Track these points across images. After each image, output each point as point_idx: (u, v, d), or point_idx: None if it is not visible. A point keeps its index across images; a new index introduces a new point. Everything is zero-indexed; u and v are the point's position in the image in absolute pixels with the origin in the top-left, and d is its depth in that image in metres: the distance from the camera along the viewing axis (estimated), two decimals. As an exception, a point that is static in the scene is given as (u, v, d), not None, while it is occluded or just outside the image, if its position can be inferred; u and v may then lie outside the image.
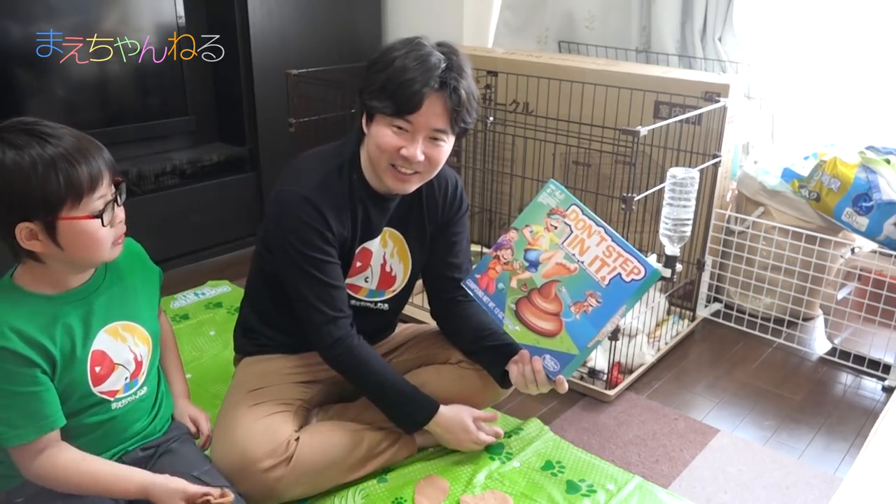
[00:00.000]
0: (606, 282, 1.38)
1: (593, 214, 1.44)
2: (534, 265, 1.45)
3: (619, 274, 1.37)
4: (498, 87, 2.61)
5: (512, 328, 1.46)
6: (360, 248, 1.57)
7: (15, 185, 1.10)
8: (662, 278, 1.92)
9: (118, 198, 1.20)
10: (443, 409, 1.59)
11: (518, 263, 1.46)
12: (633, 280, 1.36)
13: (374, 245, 1.60)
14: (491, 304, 1.49)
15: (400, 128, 1.41)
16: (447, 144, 1.47)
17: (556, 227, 1.45)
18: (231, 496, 1.26)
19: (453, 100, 1.39)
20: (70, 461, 1.21)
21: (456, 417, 1.61)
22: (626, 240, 1.80)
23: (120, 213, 1.21)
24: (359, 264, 1.59)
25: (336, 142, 1.60)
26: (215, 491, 1.25)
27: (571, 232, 1.43)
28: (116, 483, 1.22)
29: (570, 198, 1.46)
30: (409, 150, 1.42)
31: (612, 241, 1.40)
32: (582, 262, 1.41)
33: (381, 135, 1.43)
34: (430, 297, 1.71)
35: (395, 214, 1.60)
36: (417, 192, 1.60)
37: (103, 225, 1.16)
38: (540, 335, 1.43)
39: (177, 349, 1.56)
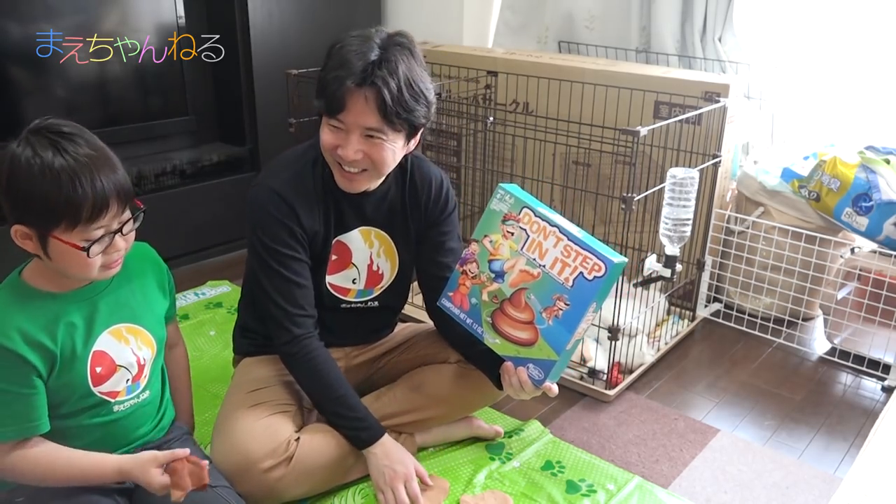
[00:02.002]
0: (571, 283, 1.34)
1: (547, 213, 1.39)
2: (500, 275, 1.41)
3: (582, 273, 1.33)
4: (498, 87, 2.61)
5: (492, 342, 1.43)
6: (334, 240, 1.57)
7: (21, 187, 1.11)
8: (662, 278, 1.93)
9: (124, 227, 1.19)
10: (390, 438, 1.55)
11: (485, 276, 1.42)
12: (595, 278, 1.32)
13: (353, 241, 1.58)
14: (469, 321, 1.45)
15: (335, 126, 1.40)
16: (390, 143, 1.42)
17: (512, 234, 1.40)
18: (204, 463, 1.21)
19: (378, 97, 1.35)
20: (43, 452, 1.19)
21: (400, 450, 1.55)
22: (626, 240, 1.80)
23: (119, 242, 1.19)
24: (334, 257, 1.58)
25: (313, 139, 1.59)
26: (181, 452, 1.21)
27: (528, 236, 1.39)
28: (92, 468, 1.21)
29: (520, 200, 1.40)
30: (344, 150, 1.40)
31: (569, 239, 1.35)
32: (543, 266, 1.36)
33: (323, 132, 1.43)
34: (425, 298, 1.71)
35: (378, 214, 1.59)
36: (400, 192, 1.60)
37: (90, 256, 1.15)
38: (519, 346, 1.40)
39: (190, 381, 1.54)
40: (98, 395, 1.24)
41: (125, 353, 1.27)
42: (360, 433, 1.52)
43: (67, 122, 1.16)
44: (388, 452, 1.52)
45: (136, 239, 1.36)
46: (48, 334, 1.18)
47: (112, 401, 1.26)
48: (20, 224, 1.13)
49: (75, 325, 1.21)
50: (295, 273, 1.50)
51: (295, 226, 1.48)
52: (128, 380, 1.28)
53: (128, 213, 1.20)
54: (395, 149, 1.44)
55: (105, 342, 1.25)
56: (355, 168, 1.44)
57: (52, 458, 1.20)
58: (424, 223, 1.63)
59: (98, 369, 1.23)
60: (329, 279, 1.59)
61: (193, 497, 1.30)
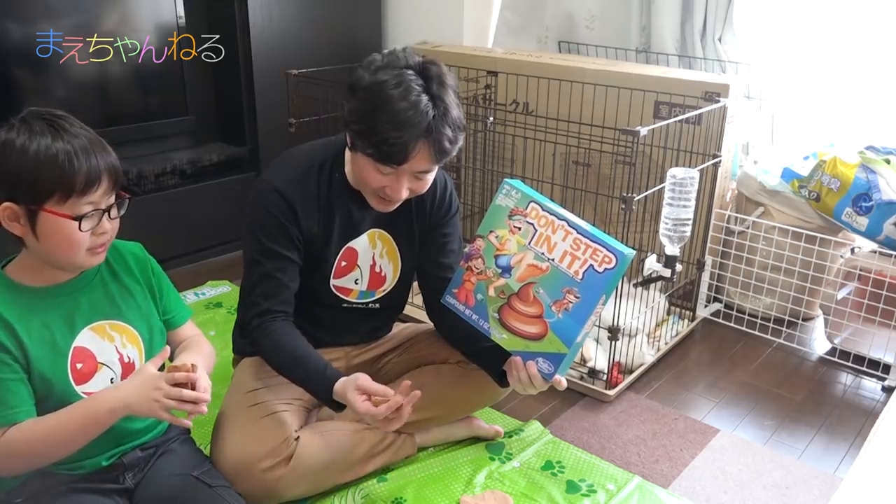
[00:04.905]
0: (580, 276, 1.34)
1: (555, 207, 1.39)
2: (507, 270, 1.41)
3: (592, 266, 1.34)
4: (498, 87, 2.61)
5: (500, 337, 1.43)
6: (344, 247, 1.57)
7: (12, 163, 1.12)
8: (662, 278, 1.93)
9: (111, 210, 1.20)
10: (342, 383, 1.40)
11: (491, 271, 1.43)
12: (606, 270, 1.33)
13: (360, 245, 1.59)
14: (474, 317, 1.45)
15: (385, 173, 1.41)
16: (432, 174, 1.47)
17: (519, 229, 1.41)
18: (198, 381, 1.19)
19: (438, 147, 1.37)
20: (25, 427, 1.16)
21: (349, 383, 1.38)
22: (626, 240, 1.80)
23: (107, 225, 1.20)
24: (343, 264, 1.58)
25: (326, 139, 1.60)
26: (181, 374, 1.19)
27: (536, 230, 1.39)
28: (86, 417, 1.17)
29: (526, 195, 1.41)
30: (394, 193, 1.43)
31: (578, 232, 1.36)
32: (552, 260, 1.37)
33: (365, 171, 1.43)
34: (425, 299, 1.71)
35: (382, 216, 1.59)
36: None
37: (81, 230, 1.16)
38: (528, 340, 1.40)
39: (206, 354, 1.42)
40: (81, 395, 1.22)
41: (108, 350, 1.26)
42: (319, 387, 1.43)
43: (53, 110, 1.18)
44: (346, 394, 1.37)
45: (137, 237, 1.36)
46: (23, 326, 1.17)
47: None
48: (10, 201, 1.14)
49: (52, 322, 1.21)
50: (283, 272, 1.50)
51: (292, 226, 1.48)
52: (112, 379, 1.26)
53: (114, 197, 1.21)
54: (433, 177, 1.48)
55: (86, 338, 1.24)
56: (395, 200, 1.47)
57: (41, 427, 1.17)
58: (428, 224, 1.64)
59: (79, 366, 1.22)
60: (335, 282, 1.60)
61: (192, 495, 1.31)
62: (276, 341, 1.47)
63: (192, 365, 1.21)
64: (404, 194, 1.44)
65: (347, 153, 1.51)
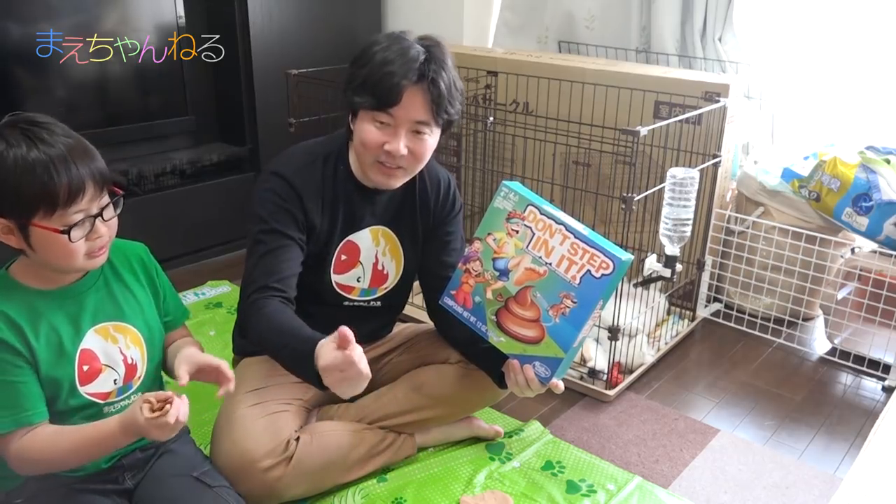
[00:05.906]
0: (578, 281, 1.34)
1: (553, 210, 1.39)
2: (504, 273, 1.41)
3: (589, 271, 1.33)
4: (498, 87, 2.61)
5: (497, 340, 1.43)
6: (344, 240, 1.57)
7: None
8: (662, 278, 1.93)
9: (104, 212, 1.18)
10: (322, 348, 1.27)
11: (489, 274, 1.42)
12: (603, 275, 1.32)
13: (362, 241, 1.59)
14: (472, 319, 1.45)
15: (382, 122, 1.43)
16: (432, 137, 1.47)
17: (517, 232, 1.40)
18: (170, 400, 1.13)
19: (433, 91, 1.40)
20: (43, 435, 1.17)
21: (327, 353, 1.25)
22: (626, 240, 1.80)
23: (101, 227, 1.18)
24: (344, 258, 1.59)
25: (328, 135, 1.61)
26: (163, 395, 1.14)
27: (533, 234, 1.39)
28: (99, 435, 1.18)
29: (524, 198, 1.40)
30: (393, 145, 1.43)
31: (576, 237, 1.35)
32: (550, 264, 1.36)
33: (365, 131, 1.44)
34: (426, 297, 1.71)
35: (387, 213, 1.60)
36: (410, 191, 1.61)
37: (71, 241, 1.14)
38: (525, 343, 1.40)
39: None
40: (86, 396, 1.23)
41: (112, 352, 1.26)
42: (303, 347, 1.31)
43: (41, 115, 1.16)
44: (321, 349, 1.27)
45: (137, 237, 1.36)
46: (31, 329, 1.17)
47: (102, 402, 1.25)
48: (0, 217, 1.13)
49: (59, 325, 1.20)
50: (285, 251, 1.48)
51: (298, 212, 1.49)
52: (115, 380, 1.26)
53: (107, 198, 1.19)
54: (433, 143, 1.49)
55: (91, 340, 1.24)
56: (396, 164, 1.46)
57: (54, 439, 1.18)
58: (432, 222, 1.65)
59: (85, 368, 1.23)
60: (336, 278, 1.60)
61: (192, 495, 1.31)
62: (269, 316, 1.38)
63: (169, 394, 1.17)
64: (403, 150, 1.43)
65: (350, 146, 1.52)
